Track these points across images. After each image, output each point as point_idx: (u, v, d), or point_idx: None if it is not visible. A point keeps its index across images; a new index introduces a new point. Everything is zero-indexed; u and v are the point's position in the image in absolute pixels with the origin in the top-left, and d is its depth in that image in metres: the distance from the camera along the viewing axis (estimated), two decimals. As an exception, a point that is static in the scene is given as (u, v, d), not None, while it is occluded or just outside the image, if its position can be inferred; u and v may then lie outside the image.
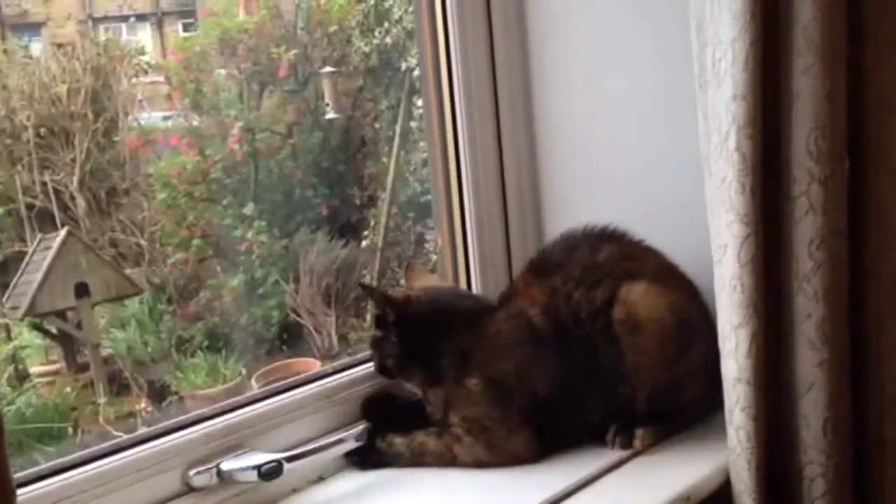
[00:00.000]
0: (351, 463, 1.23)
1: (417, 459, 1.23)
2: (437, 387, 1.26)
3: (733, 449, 1.16)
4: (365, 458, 1.23)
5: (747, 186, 1.08)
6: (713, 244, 1.17)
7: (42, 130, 3.10)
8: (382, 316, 1.28)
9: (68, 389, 2.82)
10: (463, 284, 1.58)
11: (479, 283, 1.56)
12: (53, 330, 3.00)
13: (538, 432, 1.24)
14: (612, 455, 1.24)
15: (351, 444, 1.22)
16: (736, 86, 1.08)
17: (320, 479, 1.22)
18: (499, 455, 1.23)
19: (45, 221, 3.03)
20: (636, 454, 1.25)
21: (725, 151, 1.10)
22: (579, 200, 1.55)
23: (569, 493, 1.16)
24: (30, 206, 3.01)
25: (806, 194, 1.09)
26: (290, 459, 1.15)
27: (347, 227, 3.49)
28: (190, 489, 1.12)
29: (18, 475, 0.96)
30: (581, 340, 1.26)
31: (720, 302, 1.15)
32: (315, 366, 2.91)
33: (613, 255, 1.31)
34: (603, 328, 1.25)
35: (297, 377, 1.31)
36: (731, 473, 1.18)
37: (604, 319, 1.25)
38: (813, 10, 1.06)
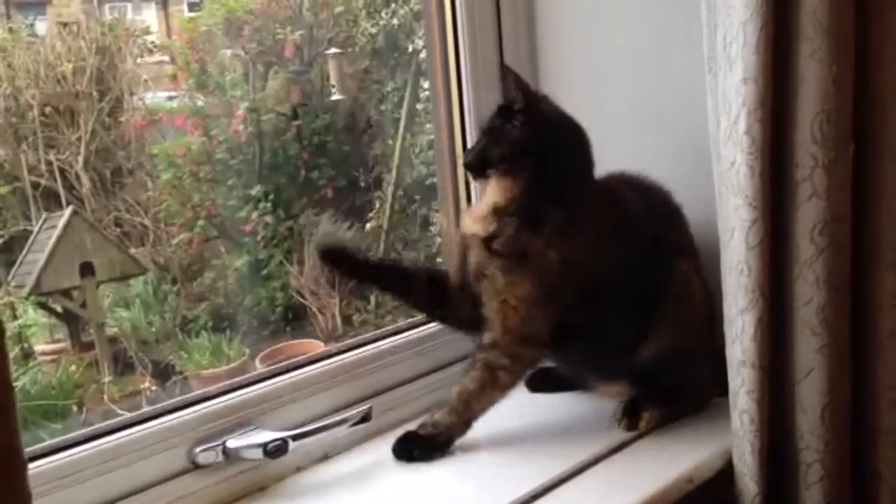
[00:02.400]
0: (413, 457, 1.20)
1: (469, 415, 1.19)
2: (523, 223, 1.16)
3: (737, 432, 1.17)
4: (422, 450, 1.20)
5: (756, 170, 1.08)
6: (720, 227, 1.16)
7: (47, 109, 3.09)
8: (507, 104, 1.20)
9: (73, 368, 2.82)
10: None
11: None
12: (58, 309, 3.00)
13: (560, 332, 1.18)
14: (616, 437, 1.25)
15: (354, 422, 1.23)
16: (747, 69, 1.07)
17: (325, 457, 1.23)
18: (533, 359, 1.21)
19: (51, 200, 3.02)
20: (640, 436, 1.25)
21: (735, 134, 1.10)
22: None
23: (573, 474, 1.17)
24: (35, 185, 3.01)
25: (809, 179, 1.09)
26: (295, 438, 1.15)
27: (352, 209, 3.48)
28: (195, 466, 1.12)
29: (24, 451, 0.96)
30: (641, 264, 1.22)
31: (727, 285, 1.15)
32: (319, 347, 2.92)
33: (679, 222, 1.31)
34: (664, 274, 1.22)
35: (303, 357, 1.32)
36: (734, 456, 1.18)
37: (667, 266, 1.23)
38: (822, -6, 1.06)
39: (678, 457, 1.20)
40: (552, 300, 1.17)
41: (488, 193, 1.20)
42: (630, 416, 1.27)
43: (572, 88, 1.57)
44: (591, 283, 1.19)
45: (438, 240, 3.10)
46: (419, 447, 1.20)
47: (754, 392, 1.12)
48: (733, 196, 1.11)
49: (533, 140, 1.18)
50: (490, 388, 1.20)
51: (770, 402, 1.14)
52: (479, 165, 1.21)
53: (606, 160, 1.42)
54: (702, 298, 1.27)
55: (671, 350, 1.24)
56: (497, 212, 1.18)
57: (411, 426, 1.23)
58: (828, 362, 1.12)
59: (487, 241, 1.18)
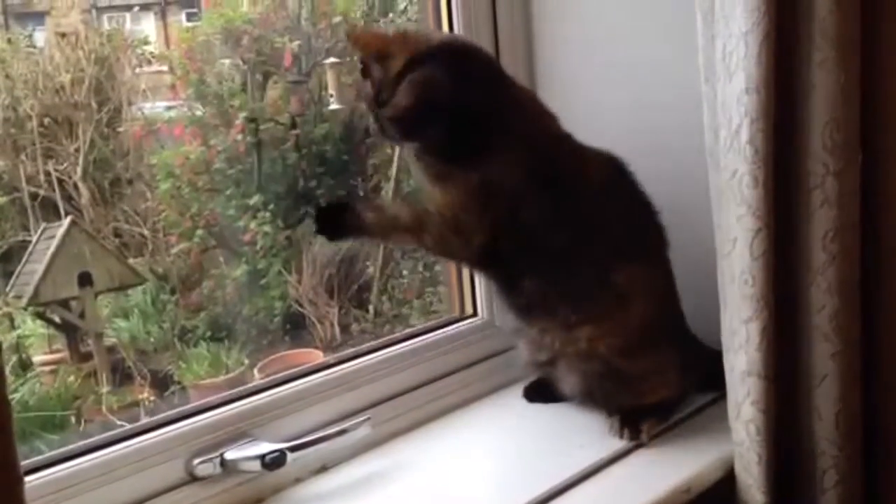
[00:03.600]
0: (324, 233, 1.24)
1: (387, 230, 1.22)
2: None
3: (741, 443, 1.16)
4: (336, 226, 1.23)
5: (760, 180, 1.08)
6: (720, 237, 1.16)
7: (46, 120, 3.09)
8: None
9: (71, 378, 2.82)
10: (465, 279, 1.58)
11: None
12: (57, 319, 3.00)
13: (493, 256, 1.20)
14: (611, 447, 1.24)
15: (355, 434, 1.22)
16: (749, 79, 1.07)
17: (323, 468, 1.23)
18: (459, 250, 1.21)
19: (49, 211, 3.03)
20: (637, 446, 1.25)
21: (737, 145, 1.10)
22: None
23: (571, 485, 1.16)
24: (33, 196, 3.01)
25: (821, 187, 1.09)
26: (293, 449, 1.15)
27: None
28: (193, 478, 1.11)
29: (22, 463, 0.95)
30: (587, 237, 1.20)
31: (728, 295, 1.15)
32: (317, 357, 2.91)
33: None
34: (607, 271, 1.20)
35: (301, 367, 1.31)
36: (738, 467, 1.18)
37: (613, 264, 1.21)
38: (829, 4, 1.06)
39: (675, 467, 1.20)
40: (482, 209, 1.18)
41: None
42: (630, 426, 1.26)
43: (568, 99, 1.57)
44: (521, 214, 1.18)
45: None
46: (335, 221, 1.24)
47: (760, 402, 1.12)
48: (736, 206, 1.11)
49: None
50: (411, 234, 1.21)
51: (776, 411, 1.14)
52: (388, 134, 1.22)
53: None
54: (649, 302, 1.24)
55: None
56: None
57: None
58: (841, 368, 1.12)
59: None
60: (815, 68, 1.07)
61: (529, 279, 1.22)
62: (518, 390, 1.43)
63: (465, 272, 1.55)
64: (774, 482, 1.15)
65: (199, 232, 3.33)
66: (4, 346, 0.64)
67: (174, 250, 3.27)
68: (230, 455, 1.13)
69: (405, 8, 3.48)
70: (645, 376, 1.26)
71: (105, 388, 2.82)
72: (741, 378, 1.13)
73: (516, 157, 1.19)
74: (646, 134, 1.49)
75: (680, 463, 1.21)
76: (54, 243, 2.84)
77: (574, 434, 1.31)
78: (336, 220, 1.23)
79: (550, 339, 1.27)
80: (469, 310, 1.55)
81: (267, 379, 1.30)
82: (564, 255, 1.21)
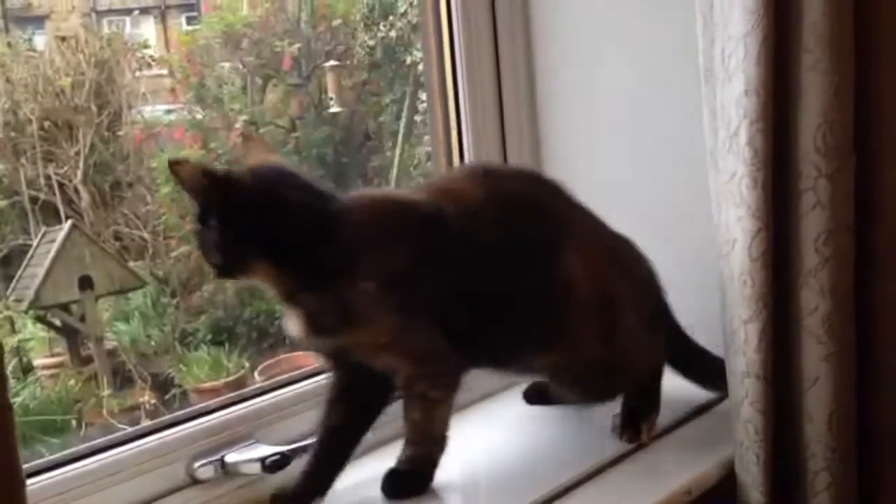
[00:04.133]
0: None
1: (434, 437, 1.12)
2: (315, 291, 1.05)
3: (740, 443, 1.16)
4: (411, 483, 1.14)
5: (759, 181, 1.08)
6: (720, 238, 1.16)
7: (46, 124, 3.09)
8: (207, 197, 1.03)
9: (72, 382, 2.82)
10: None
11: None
12: (57, 323, 3.00)
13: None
14: (611, 449, 1.25)
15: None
16: (748, 81, 1.07)
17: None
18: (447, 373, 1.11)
19: (49, 214, 3.02)
20: (638, 447, 1.25)
21: (735, 146, 1.10)
22: (581, 193, 1.54)
23: (571, 487, 1.16)
24: (34, 199, 3.01)
25: (813, 189, 1.09)
26: (294, 452, 1.15)
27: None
28: (194, 481, 1.12)
29: (23, 467, 0.96)
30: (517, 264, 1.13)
31: (727, 296, 1.15)
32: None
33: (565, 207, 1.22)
34: (541, 271, 1.15)
35: (302, 370, 1.32)
36: (737, 467, 1.18)
37: (545, 261, 1.15)
38: (822, 7, 1.06)
39: (676, 468, 1.20)
40: (413, 315, 1.08)
41: (266, 289, 1.11)
42: (630, 427, 1.26)
43: (567, 96, 1.57)
44: (439, 286, 1.09)
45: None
46: (408, 482, 1.14)
47: (758, 403, 1.12)
48: (735, 207, 1.11)
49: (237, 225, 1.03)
50: (434, 409, 1.13)
51: (774, 412, 1.14)
52: (225, 271, 1.08)
53: (605, 166, 1.43)
54: (597, 287, 1.19)
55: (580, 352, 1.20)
56: (287, 299, 1.08)
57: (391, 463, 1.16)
58: (833, 371, 1.12)
59: (317, 330, 1.08)
60: (807, 71, 1.08)
61: (489, 345, 1.16)
62: (518, 392, 1.43)
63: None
64: (773, 483, 1.15)
65: (200, 235, 3.32)
66: (5, 350, 0.65)
67: (174, 253, 3.27)
68: (231, 458, 1.13)
69: (405, 11, 3.48)
70: (624, 353, 1.22)
71: (106, 392, 2.82)
72: (740, 379, 1.14)
73: (392, 247, 1.09)
74: (647, 139, 1.50)
75: (680, 464, 1.21)
76: (55, 247, 2.84)
77: (575, 436, 1.31)
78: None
79: (521, 374, 1.32)
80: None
81: (268, 382, 1.31)
82: (500, 299, 1.13)
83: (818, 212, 1.10)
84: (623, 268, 1.25)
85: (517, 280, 1.14)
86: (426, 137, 3.38)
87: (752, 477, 1.15)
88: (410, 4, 3.46)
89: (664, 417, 1.30)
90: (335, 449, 1.13)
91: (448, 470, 1.20)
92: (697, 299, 1.28)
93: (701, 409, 1.35)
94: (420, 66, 3.40)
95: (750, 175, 1.09)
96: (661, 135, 1.49)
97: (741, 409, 1.15)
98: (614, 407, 1.30)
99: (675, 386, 1.34)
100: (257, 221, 1.03)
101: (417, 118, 3.47)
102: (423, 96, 3.19)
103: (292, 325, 1.09)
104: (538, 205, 1.20)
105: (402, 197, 1.19)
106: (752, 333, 1.11)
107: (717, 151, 1.15)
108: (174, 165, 1.03)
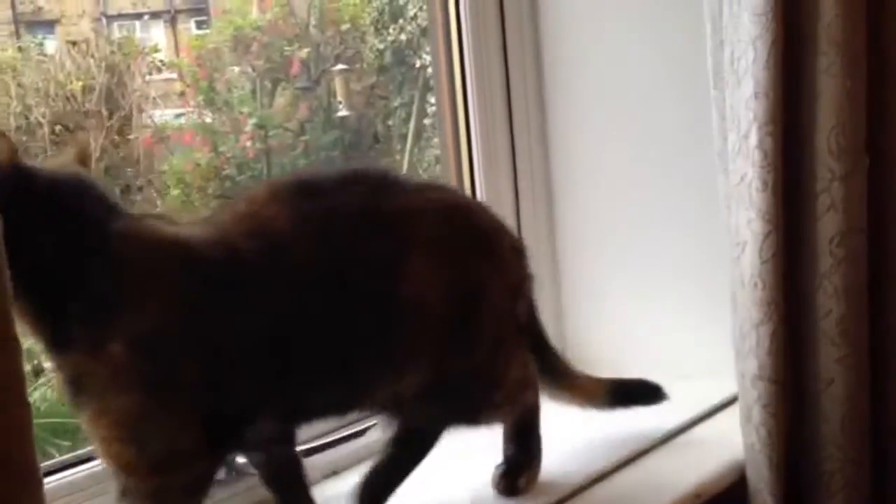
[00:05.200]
0: None
1: None
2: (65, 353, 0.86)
3: (752, 446, 1.16)
4: None
5: (769, 184, 1.09)
6: (730, 241, 1.17)
7: (57, 128, 3.10)
8: None
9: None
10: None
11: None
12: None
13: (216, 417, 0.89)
14: (620, 452, 1.25)
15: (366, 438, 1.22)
16: (757, 84, 1.08)
17: (334, 473, 1.23)
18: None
19: (60, 218, 3.03)
20: (648, 450, 1.25)
21: (745, 149, 1.10)
22: (591, 196, 1.56)
23: (578, 491, 1.16)
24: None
25: (827, 191, 1.10)
26: (304, 453, 1.15)
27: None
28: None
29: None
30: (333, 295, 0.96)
31: (739, 299, 1.15)
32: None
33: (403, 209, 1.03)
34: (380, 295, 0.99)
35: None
36: (749, 470, 1.18)
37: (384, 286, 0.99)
38: (835, 9, 1.07)
39: (685, 471, 1.20)
40: (164, 399, 0.87)
41: None
42: (508, 479, 1.18)
43: (576, 99, 1.57)
44: (214, 346, 0.89)
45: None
46: None
47: (770, 406, 1.13)
48: (745, 210, 1.11)
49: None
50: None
51: (786, 414, 1.14)
52: None
53: (615, 167, 1.42)
54: (452, 290, 1.04)
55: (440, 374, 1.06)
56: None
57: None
58: (848, 372, 1.13)
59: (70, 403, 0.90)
60: (820, 74, 1.08)
61: (315, 395, 1.02)
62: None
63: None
64: (785, 485, 1.15)
65: (209, 238, 3.32)
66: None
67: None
68: (241, 458, 1.14)
69: (414, 15, 3.49)
70: (491, 362, 1.11)
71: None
72: (752, 382, 1.14)
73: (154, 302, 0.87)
74: (657, 140, 1.50)
75: (689, 467, 1.21)
76: (66, 250, 2.85)
77: (582, 438, 1.31)
78: None
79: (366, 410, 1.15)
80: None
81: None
82: (326, 342, 0.97)
83: (832, 214, 1.10)
84: (486, 258, 1.09)
85: (348, 312, 0.98)
86: (435, 140, 3.38)
87: (764, 480, 1.16)
88: (420, 8, 3.46)
89: (674, 419, 1.30)
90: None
91: (455, 472, 1.20)
92: (706, 303, 1.28)
93: (709, 412, 1.35)
94: (429, 70, 3.41)
95: (760, 177, 1.09)
96: (669, 136, 1.49)
97: (752, 412, 1.15)
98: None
99: (683, 388, 1.34)
100: (26, 240, 0.79)
101: (426, 121, 3.47)
102: (432, 99, 3.20)
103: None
104: (366, 213, 1.02)
105: (181, 234, 0.95)
106: (764, 336, 1.11)
107: (726, 154, 1.16)
108: None
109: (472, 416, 1.15)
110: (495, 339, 1.10)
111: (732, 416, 1.23)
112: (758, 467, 1.15)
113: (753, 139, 1.09)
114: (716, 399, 1.38)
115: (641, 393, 1.33)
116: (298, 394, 0.96)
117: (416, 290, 1.01)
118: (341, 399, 1.04)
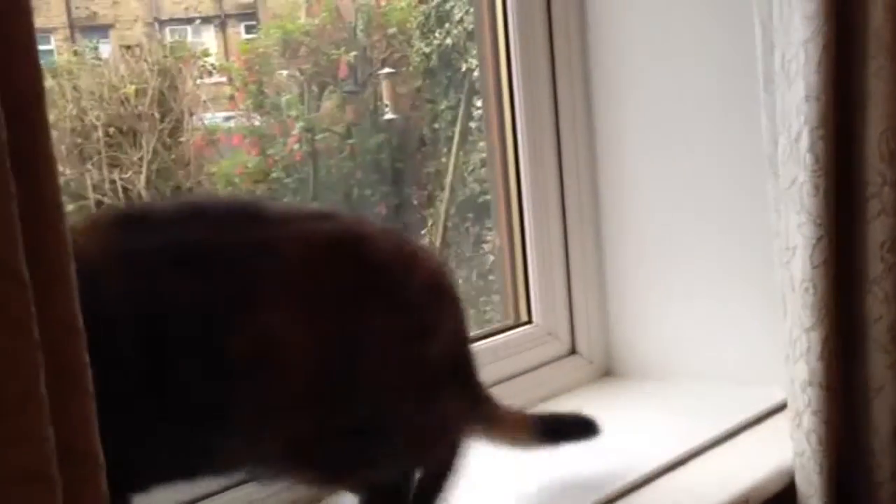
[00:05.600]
0: None
1: None
2: None
3: (802, 452, 1.15)
4: None
5: (821, 188, 1.08)
6: (780, 246, 1.16)
7: (111, 130, 3.18)
8: None
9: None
10: (520, 287, 1.58)
11: (536, 284, 1.57)
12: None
13: None
14: (668, 456, 1.24)
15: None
16: (808, 87, 1.07)
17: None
18: None
19: (114, 218, 3.10)
20: (694, 454, 1.24)
21: (796, 153, 1.09)
22: (638, 200, 1.56)
23: (624, 493, 1.16)
24: (99, 203, 3.09)
25: (878, 196, 1.09)
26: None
27: (406, 226, 3.51)
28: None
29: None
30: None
31: (789, 304, 1.14)
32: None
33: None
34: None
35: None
36: (799, 477, 1.17)
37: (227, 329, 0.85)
38: (883, 13, 1.06)
39: (734, 477, 1.19)
40: None
41: None
42: None
43: (624, 104, 1.57)
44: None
45: (491, 258, 3.10)
46: None
47: (822, 412, 1.12)
48: (795, 214, 1.10)
49: None
50: None
51: (837, 421, 1.13)
52: None
53: (661, 172, 1.41)
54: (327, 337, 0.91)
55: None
56: None
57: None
58: (899, 379, 1.11)
59: None
60: (870, 77, 1.07)
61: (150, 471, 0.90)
62: (576, 399, 1.43)
63: (521, 281, 1.56)
64: (835, 493, 1.14)
65: (258, 239, 3.37)
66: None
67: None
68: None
69: (461, 18, 3.51)
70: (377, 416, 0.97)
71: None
72: (802, 388, 1.13)
73: None
74: (704, 145, 1.49)
75: (738, 472, 1.20)
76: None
77: (626, 441, 1.31)
78: None
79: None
80: (524, 317, 1.56)
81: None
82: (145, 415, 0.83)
83: (883, 219, 1.09)
84: (374, 300, 0.95)
85: (167, 364, 0.84)
86: (481, 143, 3.39)
87: (813, 487, 1.14)
88: (467, 11, 3.48)
89: (722, 424, 1.29)
90: None
91: (487, 475, 1.20)
92: (754, 308, 1.27)
93: (760, 418, 1.34)
94: (475, 73, 3.42)
95: (811, 181, 1.08)
96: (717, 140, 1.48)
97: (803, 419, 1.14)
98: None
99: (731, 394, 1.33)
100: None
101: (472, 124, 3.48)
102: (479, 103, 3.21)
103: None
104: (198, 251, 0.87)
105: None
106: (815, 341, 1.10)
107: (776, 158, 1.15)
108: None
109: (363, 473, 1.01)
110: (391, 390, 0.96)
111: (781, 422, 1.22)
112: (808, 474, 1.14)
113: (805, 143, 1.08)
114: (764, 405, 1.37)
115: (573, 428, 1.22)
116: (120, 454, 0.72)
117: (261, 343, 0.87)
118: (186, 463, 0.91)
